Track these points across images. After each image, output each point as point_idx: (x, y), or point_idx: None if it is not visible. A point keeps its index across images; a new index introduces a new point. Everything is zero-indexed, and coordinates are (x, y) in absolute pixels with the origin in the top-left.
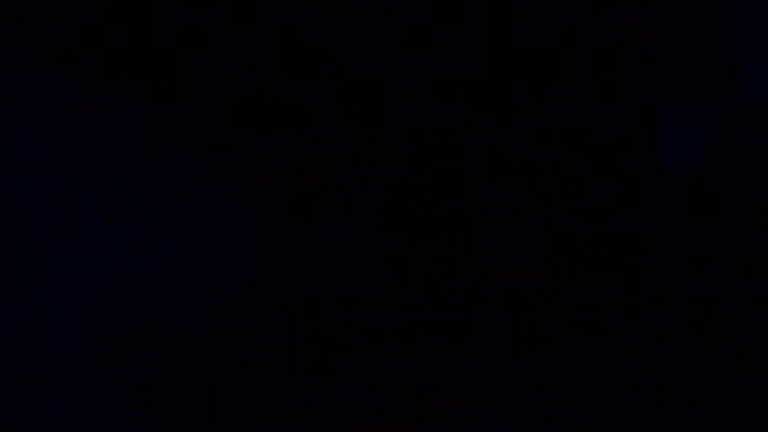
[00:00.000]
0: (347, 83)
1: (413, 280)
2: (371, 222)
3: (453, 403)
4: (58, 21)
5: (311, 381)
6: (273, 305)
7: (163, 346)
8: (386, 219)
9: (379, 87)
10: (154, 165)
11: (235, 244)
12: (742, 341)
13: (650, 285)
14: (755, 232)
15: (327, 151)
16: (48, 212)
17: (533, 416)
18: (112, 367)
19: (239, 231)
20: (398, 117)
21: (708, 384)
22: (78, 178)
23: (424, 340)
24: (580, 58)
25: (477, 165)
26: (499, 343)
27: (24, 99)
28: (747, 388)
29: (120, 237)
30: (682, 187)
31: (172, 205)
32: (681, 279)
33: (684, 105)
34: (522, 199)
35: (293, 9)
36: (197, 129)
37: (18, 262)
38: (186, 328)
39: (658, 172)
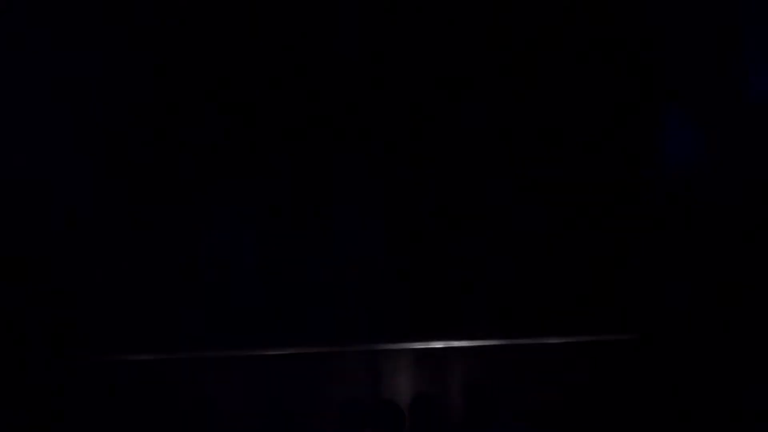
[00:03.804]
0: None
1: (413, 275)
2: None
3: (451, 401)
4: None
5: (309, 375)
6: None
7: None
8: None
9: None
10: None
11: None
12: (740, 339)
13: (649, 283)
14: (755, 231)
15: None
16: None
17: (532, 415)
18: None
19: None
20: (398, 116)
21: (706, 384)
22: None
23: (424, 337)
24: (581, 58)
25: (475, 164)
26: (498, 342)
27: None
28: (746, 388)
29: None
30: (682, 187)
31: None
32: (680, 278)
33: (685, 105)
34: (522, 198)
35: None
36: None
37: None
38: None
39: (659, 172)
